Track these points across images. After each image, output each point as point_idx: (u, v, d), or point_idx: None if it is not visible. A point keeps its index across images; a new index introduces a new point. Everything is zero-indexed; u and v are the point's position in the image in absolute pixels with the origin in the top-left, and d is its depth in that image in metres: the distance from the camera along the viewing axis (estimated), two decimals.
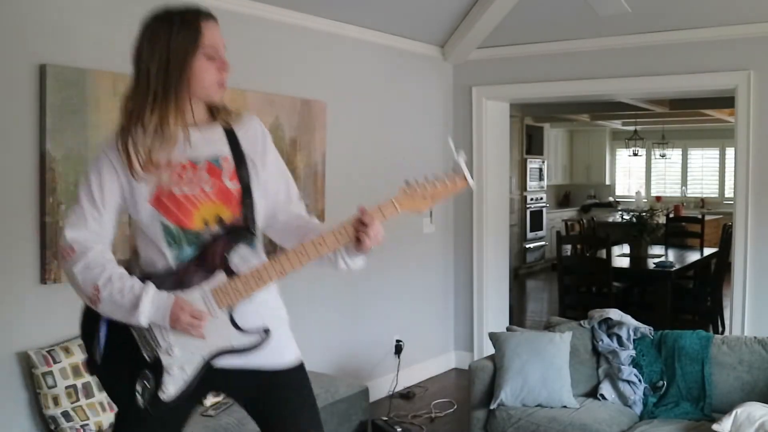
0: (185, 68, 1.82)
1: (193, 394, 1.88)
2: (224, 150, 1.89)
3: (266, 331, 1.87)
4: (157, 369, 1.83)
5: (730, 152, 11.86)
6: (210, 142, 1.88)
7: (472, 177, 1.87)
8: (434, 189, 1.87)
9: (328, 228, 1.88)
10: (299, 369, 1.99)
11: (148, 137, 1.82)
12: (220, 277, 1.85)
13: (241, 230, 1.87)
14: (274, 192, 1.98)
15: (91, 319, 1.91)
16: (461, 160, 1.85)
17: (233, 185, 1.87)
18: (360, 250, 1.89)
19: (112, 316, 1.84)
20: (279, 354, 1.94)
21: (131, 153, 1.83)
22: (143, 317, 1.80)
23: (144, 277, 1.88)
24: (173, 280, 1.85)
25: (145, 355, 1.85)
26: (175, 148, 1.83)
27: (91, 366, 1.92)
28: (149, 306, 1.80)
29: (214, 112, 1.92)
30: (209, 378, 1.88)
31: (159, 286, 1.84)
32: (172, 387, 1.84)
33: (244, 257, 1.88)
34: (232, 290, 1.83)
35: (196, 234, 1.85)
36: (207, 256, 1.85)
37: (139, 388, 1.83)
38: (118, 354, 1.86)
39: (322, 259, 1.90)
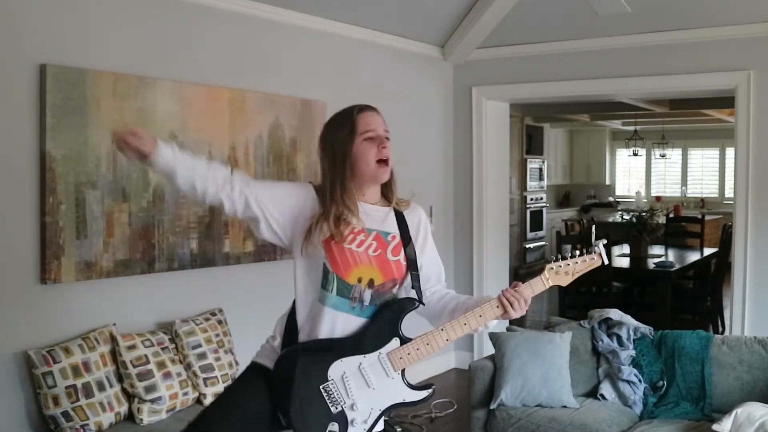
0: (348, 155, 2.13)
1: None
2: (393, 228, 2.22)
3: (432, 385, 2.20)
4: (342, 421, 2.10)
5: (730, 152, 11.86)
6: (382, 219, 2.21)
7: (607, 257, 2.28)
8: (576, 266, 2.23)
9: (484, 300, 2.21)
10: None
11: (335, 211, 2.13)
12: (395, 343, 2.13)
13: (411, 300, 2.19)
14: (427, 273, 2.30)
15: (286, 369, 2.12)
16: (600, 244, 2.25)
17: (394, 258, 2.18)
18: (503, 318, 2.21)
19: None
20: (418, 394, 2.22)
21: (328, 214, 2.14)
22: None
23: (317, 342, 2.13)
24: (352, 343, 2.12)
25: (332, 408, 2.10)
26: (354, 218, 2.14)
27: (285, 416, 2.12)
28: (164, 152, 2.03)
29: (388, 196, 2.25)
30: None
31: (339, 351, 2.11)
32: None
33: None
34: (406, 356, 2.13)
35: (348, 288, 2.11)
36: (383, 322, 2.14)
37: None
38: (307, 406, 2.09)
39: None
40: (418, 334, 2.19)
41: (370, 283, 2.13)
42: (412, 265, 2.21)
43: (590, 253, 2.26)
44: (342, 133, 2.14)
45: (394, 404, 2.15)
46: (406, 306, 2.18)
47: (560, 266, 2.24)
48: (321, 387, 2.10)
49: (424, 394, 2.17)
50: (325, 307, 2.12)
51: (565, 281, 2.25)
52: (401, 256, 2.20)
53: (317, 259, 2.12)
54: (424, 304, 2.23)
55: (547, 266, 2.24)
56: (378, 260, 2.15)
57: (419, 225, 2.30)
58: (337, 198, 2.12)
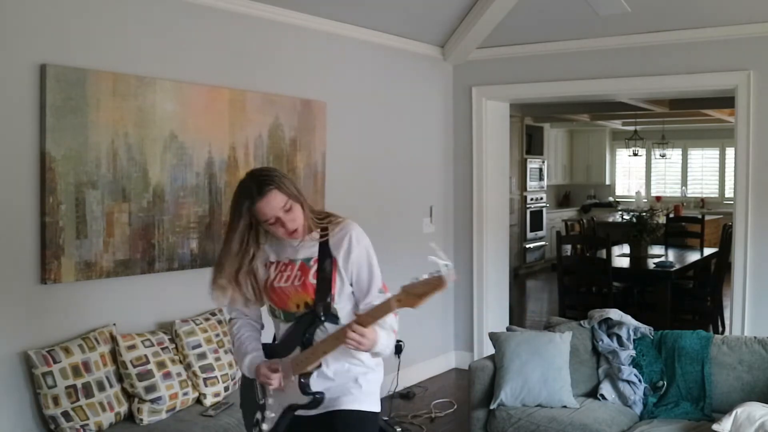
0: (258, 234, 2.46)
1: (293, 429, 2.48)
2: (314, 253, 2.45)
3: (316, 395, 2.41)
4: (262, 410, 2.52)
5: (730, 152, 11.87)
6: (305, 247, 2.46)
7: (453, 276, 2.10)
8: (423, 288, 2.14)
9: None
10: (354, 414, 2.47)
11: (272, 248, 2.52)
12: (298, 350, 2.41)
13: (312, 315, 2.41)
14: (359, 283, 2.47)
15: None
16: (441, 261, 2.09)
17: (313, 280, 2.43)
18: (357, 350, 2.33)
19: (238, 365, 2.66)
20: (342, 402, 2.46)
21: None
22: (245, 370, 2.52)
23: (267, 346, 2.55)
24: (278, 350, 2.48)
25: (258, 400, 2.54)
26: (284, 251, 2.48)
27: (240, 404, 2.71)
28: (247, 362, 2.50)
29: (312, 229, 2.46)
30: (291, 423, 2.48)
31: (271, 355, 2.48)
32: (266, 425, 2.50)
33: (325, 332, 2.40)
34: (299, 362, 2.38)
35: (292, 314, 2.46)
36: (294, 334, 2.44)
37: (254, 421, 2.54)
38: (250, 397, 2.59)
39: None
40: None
41: (306, 306, 2.43)
42: (322, 284, 2.42)
43: (433, 274, 2.09)
44: (245, 219, 2.39)
45: (291, 404, 2.44)
46: (309, 319, 2.42)
47: (413, 287, 2.14)
48: (255, 381, 2.53)
49: (308, 398, 2.40)
50: (279, 323, 2.53)
51: (415, 303, 2.14)
52: (314, 278, 2.44)
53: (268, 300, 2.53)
54: (322, 319, 2.40)
55: (402, 286, 2.15)
56: (302, 286, 2.43)
57: (341, 244, 2.44)
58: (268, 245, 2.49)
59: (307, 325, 2.41)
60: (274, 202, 2.35)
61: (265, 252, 2.49)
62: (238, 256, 2.44)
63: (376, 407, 2.52)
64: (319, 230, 2.47)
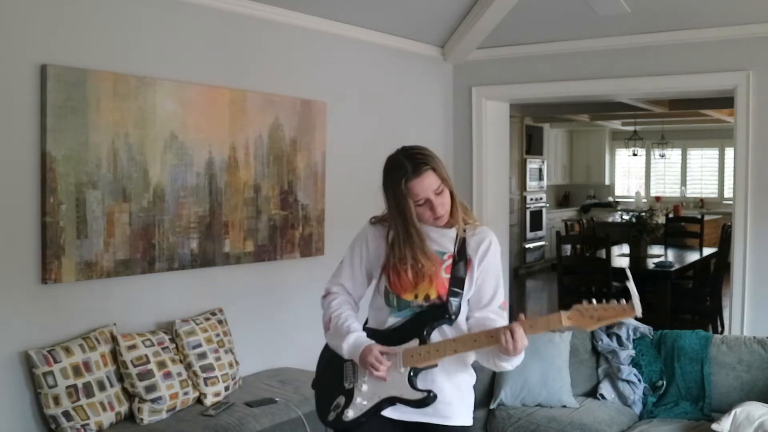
0: (407, 213, 2.33)
1: (374, 426, 2.35)
2: (450, 248, 2.38)
3: (430, 393, 2.29)
4: (348, 397, 2.37)
5: (729, 152, 11.86)
6: (442, 239, 2.38)
7: (640, 307, 2.08)
8: (604, 312, 2.14)
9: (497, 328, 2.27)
10: (457, 430, 2.39)
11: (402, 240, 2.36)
12: (414, 342, 2.30)
13: (442, 311, 2.32)
14: (480, 291, 2.39)
15: (325, 350, 2.54)
16: (634, 291, 2.10)
17: (446, 275, 2.35)
18: (501, 352, 2.25)
19: (332, 342, 2.42)
20: (442, 416, 2.36)
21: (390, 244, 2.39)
22: (345, 347, 2.34)
23: (368, 330, 2.42)
24: (385, 335, 2.36)
25: (345, 384, 2.40)
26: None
27: (314, 383, 2.57)
28: (352, 340, 2.34)
29: (451, 220, 2.39)
30: (376, 420, 2.34)
31: (377, 340, 2.34)
32: (351, 412, 2.35)
33: (447, 334, 2.34)
34: (416, 355, 2.28)
35: (407, 303, 2.35)
36: (414, 324, 2.33)
37: (333, 405, 2.39)
38: (330, 379, 2.45)
39: (486, 354, 2.34)
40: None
41: (426, 298, 2.34)
42: (456, 283, 2.35)
43: (626, 300, 2.12)
44: (398, 194, 2.31)
45: (392, 396, 2.31)
46: (435, 314, 2.33)
47: (587, 309, 2.19)
48: (344, 364, 2.39)
49: (419, 395, 2.28)
50: (386, 310, 2.40)
51: (589, 325, 2.19)
52: (447, 273, 2.35)
53: (382, 282, 2.41)
54: (453, 318, 2.33)
55: (575, 305, 2.20)
56: (432, 277, 2.34)
57: (478, 248, 2.40)
58: (399, 243, 2.34)
59: (431, 319, 2.32)
60: (427, 182, 2.29)
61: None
62: (417, 234, 2.32)
63: (471, 423, 2.47)
64: (458, 226, 2.39)
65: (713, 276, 7.03)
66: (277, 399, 3.85)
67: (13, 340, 3.32)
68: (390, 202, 2.35)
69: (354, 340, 2.33)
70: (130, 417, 3.51)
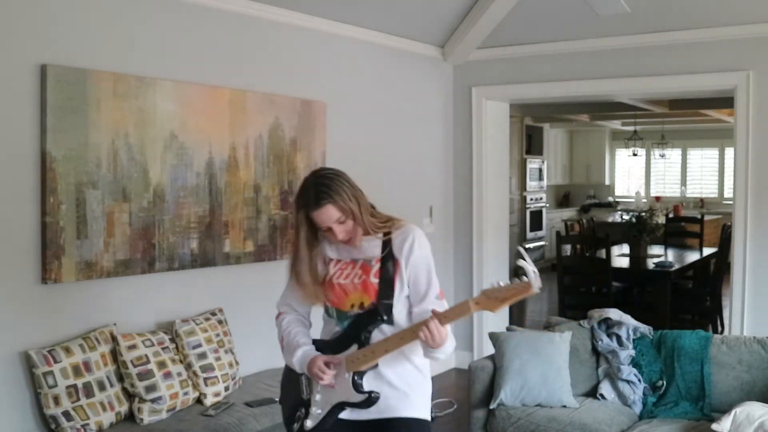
0: (299, 235, 2.45)
1: (327, 430, 2.45)
2: (377, 253, 2.46)
3: (372, 394, 2.39)
4: (306, 407, 2.49)
5: (729, 152, 11.87)
6: (368, 248, 2.46)
7: (539, 282, 2.14)
8: (507, 293, 2.18)
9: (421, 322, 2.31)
10: (413, 423, 2.46)
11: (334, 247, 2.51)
12: (353, 348, 2.40)
13: (374, 314, 2.41)
14: (416, 286, 2.46)
15: (286, 368, 2.63)
16: (528, 267, 2.14)
17: (375, 280, 2.43)
18: (428, 346, 2.32)
19: (286, 359, 2.54)
20: (393, 410, 2.44)
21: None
22: (295, 362, 2.47)
23: (318, 342, 2.52)
24: (331, 346, 2.46)
25: (303, 396, 2.51)
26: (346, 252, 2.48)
27: (280, 398, 2.70)
28: (299, 354, 2.46)
29: (369, 232, 2.46)
30: (335, 425, 2.44)
31: (322, 351, 2.45)
32: (310, 422, 2.45)
33: (383, 332, 2.41)
34: (356, 359, 2.38)
35: (346, 314, 2.45)
36: (351, 331, 2.43)
37: (296, 417, 2.50)
38: (292, 392, 2.56)
39: (422, 347, 2.40)
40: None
41: (361, 306, 2.43)
42: (385, 285, 2.43)
43: (520, 279, 2.16)
44: (298, 218, 2.42)
45: (341, 402, 2.42)
46: (368, 319, 2.42)
47: (492, 291, 2.20)
48: (300, 377, 2.51)
49: (362, 397, 2.38)
50: (332, 321, 2.52)
51: (495, 307, 2.20)
52: (376, 278, 2.44)
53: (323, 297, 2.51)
54: (385, 319, 2.41)
55: (483, 289, 2.23)
56: (362, 285, 2.44)
57: (402, 247, 2.45)
58: (292, 261, 2.50)
59: (367, 324, 2.41)
60: (327, 215, 2.36)
61: (324, 249, 2.50)
62: (306, 257, 2.46)
63: (429, 416, 2.52)
64: (376, 234, 2.46)
65: (713, 276, 7.03)
66: (277, 399, 3.85)
67: (13, 340, 3.32)
68: (299, 227, 2.44)
69: (301, 354, 2.45)
70: (130, 417, 3.51)
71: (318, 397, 2.46)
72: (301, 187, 2.43)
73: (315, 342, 2.51)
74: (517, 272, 2.34)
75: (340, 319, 2.46)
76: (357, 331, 2.41)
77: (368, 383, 2.39)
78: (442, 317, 2.25)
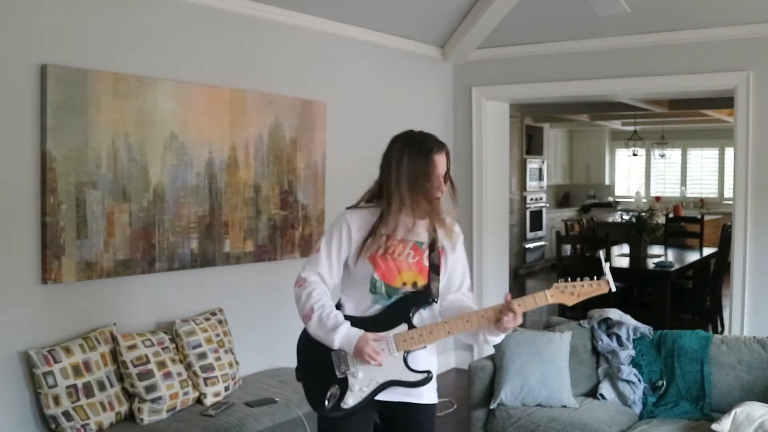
0: (420, 187, 2.44)
1: (364, 409, 2.45)
2: (426, 238, 2.51)
3: (429, 374, 2.45)
4: (343, 385, 2.43)
5: (729, 152, 11.87)
6: (419, 231, 2.50)
7: (613, 282, 2.41)
8: (581, 289, 2.40)
9: (482, 308, 2.45)
10: (432, 409, 2.56)
11: (392, 221, 2.48)
12: (403, 327, 2.42)
13: (426, 296, 2.47)
14: (452, 277, 2.57)
15: (304, 340, 2.53)
16: (608, 271, 2.41)
17: (427, 263, 2.49)
18: (499, 330, 2.41)
19: (316, 333, 2.42)
20: (423, 395, 2.51)
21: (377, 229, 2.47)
22: (337, 339, 2.37)
23: (349, 318, 2.45)
24: (369, 322, 2.43)
25: (337, 372, 2.44)
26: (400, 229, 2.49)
27: (298, 373, 2.57)
28: (343, 332, 2.37)
29: (436, 213, 2.51)
30: (376, 402, 2.46)
31: (365, 328, 2.40)
32: (351, 400, 2.42)
33: (423, 316, 2.48)
34: (409, 339, 2.41)
35: (395, 290, 2.46)
36: (398, 309, 2.44)
37: (328, 396, 2.42)
38: (318, 368, 2.46)
39: (472, 332, 2.48)
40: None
41: (414, 285, 2.47)
42: (434, 269, 2.49)
43: (599, 279, 2.41)
44: (420, 164, 2.44)
45: (391, 380, 2.42)
46: (419, 299, 2.46)
47: (566, 286, 2.40)
48: (330, 353, 2.42)
49: (419, 376, 2.42)
50: (369, 297, 2.47)
51: (570, 301, 2.40)
52: (428, 261, 2.49)
53: (366, 270, 2.45)
54: (435, 302, 2.49)
55: (554, 284, 2.41)
56: (417, 265, 2.48)
57: (450, 235, 2.54)
58: (392, 216, 2.44)
59: (418, 304, 2.45)
60: (443, 162, 2.46)
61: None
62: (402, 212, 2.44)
63: None
64: (436, 218, 2.52)
65: (713, 276, 7.03)
66: (277, 399, 3.85)
67: (13, 340, 3.32)
68: (405, 174, 2.43)
69: (346, 332, 2.37)
70: (130, 417, 3.51)
71: (360, 375, 2.42)
72: (409, 138, 2.54)
73: (349, 318, 2.45)
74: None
75: (388, 295, 2.44)
76: (405, 309, 2.42)
77: (422, 362, 2.44)
78: (517, 304, 2.37)
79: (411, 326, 2.42)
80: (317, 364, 2.47)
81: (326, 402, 2.43)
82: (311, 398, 2.53)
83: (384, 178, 2.51)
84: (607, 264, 2.46)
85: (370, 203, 2.55)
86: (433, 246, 2.51)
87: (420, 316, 2.47)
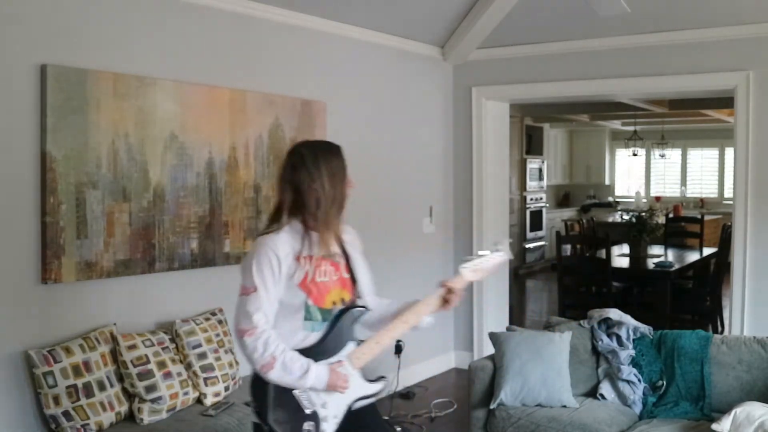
0: (343, 194, 2.43)
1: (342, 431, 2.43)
2: (337, 249, 2.47)
3: (384, 377, 2.49)
4: (314, 418, 2.34)
5: (729, 152, 11.86)
6: (332, 243, 2.44)
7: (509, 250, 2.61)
8: (486, 263, 2.54)
9: (413, 302, 2.51)
10: (379, 392, 2.56)
11: (313, 239, 2.38)
12: (352, 346, 2.41)
13: (359, 308, 2.46)
14: (363, 280, 2.55)
15: (259, 386, 2.36)
16: (506, 241, 2.61)
17: (346, 275, 2.46)
18: (447, 310, 2.53)
19: (281, 380, 2.29)
20: (375, 390, 2.52)
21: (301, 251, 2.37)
22: (309, 382, 2.30)
23: (306, 352, 2.36)
24: (318, 352, 2.35)
25: (306, 409, 2.34)
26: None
27: (263, 418, 2.36)
28: (314, 374, 2.30)
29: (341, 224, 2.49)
30: (348, 417, 2.42)
31: (316, 358, 2.33)
32: (330, 428, 2.36)
33: (360, 329, 2.49)
34: (361, 355, 2.40)
35: (329, 312, 2.39)
36: (340, 330, 2.40)
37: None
38: (285, 411, 2.33)
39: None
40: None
41: (342, 302, 2.43)
42: (352, 279, 2.49)
43: (497, 251, 2.56)
44: (342, 177, 2.43)
45: (357, 398, 2.42)
46: (354, 314, 2.45)
47: (474, 264, 2.53)
48: (293, 393, 2.32)
49: (379, 384, 2.46)
50: (303, 326, 2.38)
51: (484, 275, 2.55)
52: (347, 272, 2.48)
53: (299, 298, 2.35)
54: (368, 309, 2.50)
55: (462, 266, 2.52)
56: (340, 281, 2.44)
57: (353, 239, 2.56)
58: (329, 226, 2.37)
59: (353, 320, 2.44)
60: None
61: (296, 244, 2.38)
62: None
63: None
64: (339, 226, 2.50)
65: (713, 276, 7.03)
66: None
67: (13, 340, 3.32)
68: (332, 184, 2.38)
69: (316, 373, 2.30)
70: (130, 417, 3.51)
71: (329, 404, 2.36)
72: (328, 148, 2.47)
73: (301, 352, 2.34)
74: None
75: (323, 319, 2.37)
76: (347, 328, 2.41)
77: (374, 370, 2.48)
78: (452, 286, 2.46)
79: (357, 342, 2.43)
80: (286, 408, 2.33)
81: None
82: None
83: (298, 196, 2.36)
84: (507, 240, 2.68)
85: (277, 224, 2.39)
86: (345, 256, 2.48)
87: (359, 330, 2.50)
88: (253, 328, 2.27)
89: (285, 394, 2.32)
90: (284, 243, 2.33)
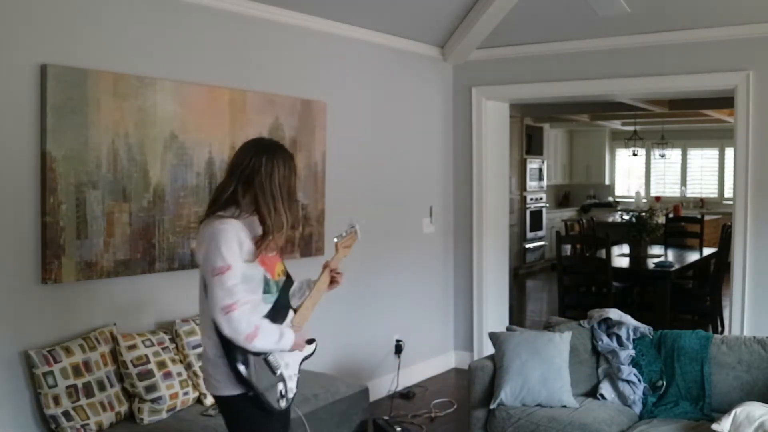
0: (294, 189, 2.67)
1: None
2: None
3: (314, 339, 2.76)
4: (282, 379, 2.62)
5: (729, 152, 11.87)
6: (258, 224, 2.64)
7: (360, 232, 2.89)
8: (351, 240, 2.85)
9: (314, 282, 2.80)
10: None
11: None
12: (291, 313, 2.69)
13: (290, 278, 2.74)
14: None
15: (235, 358, 2.53)
16: (356, 223, 2.87)
17: (272, 253, 2.65)
18: (332, 289, 2.84)
19: (264, 347, 2.51)
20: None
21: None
22: (286, 343, 2.55)
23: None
24: (278, 320, 2.60)
25: (276, 372, 2.60)
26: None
27: (251, 389, 2.55)
28: (288, 336, 2.56)
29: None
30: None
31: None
32: (292, 386, 2.68)
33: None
34: (297, 321, 2.67)
35: (278, 283, 2.64)
36: (282, 300, 2.65)
37: (278, 395, 2.59)
38: (266, 377, 2.58)
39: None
40: None
41: (284, 272, 2.69)
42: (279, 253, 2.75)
43: (351, 231, 2.84)
44: (292, 169, 2.63)
45: (304, 357, 2.75)
46: (288, 284, 2.72)
47: (344, 240, 2.82)
48: (263, 359, 2.56)
49: (313, 344, 2.76)
50: (268, 297, 2.61)
51: (347, 252, 2.83)
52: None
53: (259, 272, 2.55)
54: (293, 282, 2.78)
55: (336, 242, 2.81)
56: (279, 254, 2.68)
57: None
58: (283, 218, 2.57)
59: (288, 288, 2.70)
60: None
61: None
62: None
63: None
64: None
65: (713, 276, 7.03)
66: None
67: (13, 340, 3.32)
68: (282, 176, 2.56)
69: (288, 333, 2.57)
70: (130, 417, 3.52)
71: (290, 364, 2.65)
72: (274, 143, 2.63)
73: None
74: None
75: (277, 291, 2.61)
76: (286, 297, 2.68)
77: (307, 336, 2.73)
78: (333, 263, 2.79)
79: (294, 310, 2.70)
80: (266, 374, 2.57)
81: (280, 400, 2.60)
82: (270, 403, 2.58)
83: (249, 187, 2.54)
84: (358, 224, 2.87)
85: (230, 210, 2.54)
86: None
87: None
88: (235, 302, 2.43)
89: (260, 363, 2.55)
90: (245, 226, 2.53)
